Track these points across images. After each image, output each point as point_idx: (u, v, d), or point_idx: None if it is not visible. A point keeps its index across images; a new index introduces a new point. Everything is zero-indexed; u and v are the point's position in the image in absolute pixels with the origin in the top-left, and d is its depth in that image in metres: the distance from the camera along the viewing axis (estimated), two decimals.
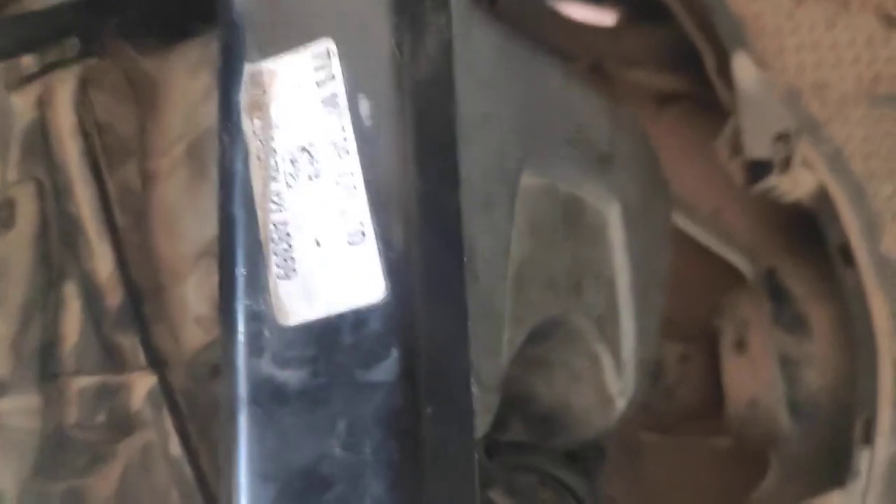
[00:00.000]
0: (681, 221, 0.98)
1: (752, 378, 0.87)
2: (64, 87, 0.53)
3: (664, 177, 0.70)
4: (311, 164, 0.37)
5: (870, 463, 0.73)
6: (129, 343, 0.48)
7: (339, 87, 0.37)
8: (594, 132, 0.58)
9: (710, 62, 0.81)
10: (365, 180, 0.36)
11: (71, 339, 0.49)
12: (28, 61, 0.55)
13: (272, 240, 0.37)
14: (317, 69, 0.38)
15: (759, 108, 0.74)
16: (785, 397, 0.85)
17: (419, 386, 0.34)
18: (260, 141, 0.38)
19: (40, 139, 0.53)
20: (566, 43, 0.96)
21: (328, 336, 0.35)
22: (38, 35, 0.51)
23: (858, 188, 0.77)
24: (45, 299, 0.49)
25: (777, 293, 0.87)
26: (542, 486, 0.65)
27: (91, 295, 0.49)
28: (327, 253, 0.36)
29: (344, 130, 0.37)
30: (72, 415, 0.49)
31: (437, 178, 0.37)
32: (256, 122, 0.38)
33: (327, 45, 0.37)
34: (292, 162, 0.37)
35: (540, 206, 0.52)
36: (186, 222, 0.52)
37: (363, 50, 0.37)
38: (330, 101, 0.37)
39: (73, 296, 0.50)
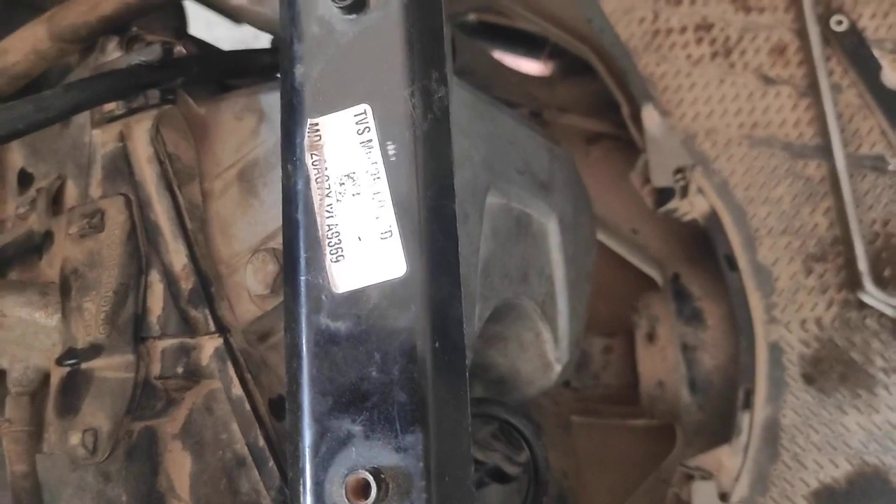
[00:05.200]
0: (604, 238, 1.19)
1: (661, 363, 1.08)
2: (141, 126, 0.70)
3: (589, 198, 0.90)
4: (354, 185, 0.55)
5: (749, 423, 0.94)
6: (200, 315, 0.65)
7: (373, 135, 0.55)
8: (537, 164, 0.77)
9: (625, 111, 1.02)
10: (392, 196, 0.54)
11: (156, 311, 0.66)
12: (111, 105, 0.72)
13: (327, 236, 0.55)
14: (357, 123, 0.56)
15: (662, 148, 0.95)
16: (685, 377, 1.06)
17: (430, 329, 0.52)
18: (317, 170, 0.56)
19: (124, 164, 0.70)
20: (512, 93, 1.16)
21: (368, 299, 0.53)
22: (129, 86, 0.68)
23: (740, 210, 0.99)
24: (137, 283, 0.66)
25: (680, 293, 1.08)
26: (496, 438, 0.84)
27: (170, 280, 0.66)
28: (366, 245, 0.54)
29: (376, 164, 0.55)
30: (156, 368, 0.65)
31: (439, 194, 0.55)
32: (314, 157, 0.56)
33: (365, 107, 0.56)
34: (340, 184, 0.56)
35: (499, 219, 0.71)
36: (238, 228, 0.69)
37: (389, 110, 0.55)
38: (367, 144, 0.55)
39: (157, 280, 0.66)
